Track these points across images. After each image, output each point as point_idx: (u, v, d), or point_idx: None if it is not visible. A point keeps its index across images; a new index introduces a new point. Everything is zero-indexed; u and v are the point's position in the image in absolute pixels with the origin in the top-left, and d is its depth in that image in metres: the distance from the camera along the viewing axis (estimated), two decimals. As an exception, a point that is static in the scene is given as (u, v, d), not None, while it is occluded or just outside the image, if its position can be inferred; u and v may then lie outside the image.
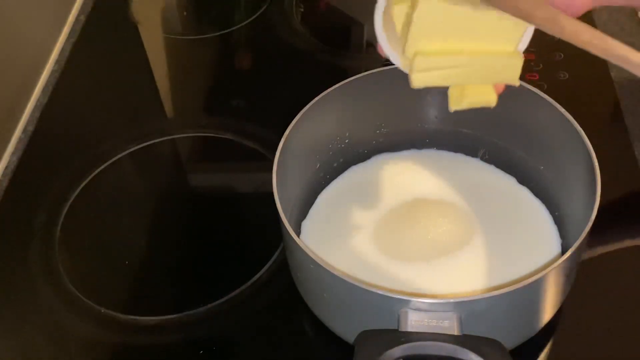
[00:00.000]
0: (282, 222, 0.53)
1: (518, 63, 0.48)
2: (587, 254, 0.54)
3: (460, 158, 0.68)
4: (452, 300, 0.48)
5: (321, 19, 0.95)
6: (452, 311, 0.47)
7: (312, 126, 0.61)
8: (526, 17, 0.44)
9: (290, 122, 0.59)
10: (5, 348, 0.62)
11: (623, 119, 0.74)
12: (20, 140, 0.78)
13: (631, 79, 0.79)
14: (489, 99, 0.49)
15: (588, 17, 0.85)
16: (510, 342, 0.52)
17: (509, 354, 0.46)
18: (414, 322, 0.47)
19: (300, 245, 0.51)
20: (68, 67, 0.86)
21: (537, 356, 0.58)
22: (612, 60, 0.41)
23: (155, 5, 1.00)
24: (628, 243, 0.66)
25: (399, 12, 0.49)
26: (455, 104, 0.49)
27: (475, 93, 0.49)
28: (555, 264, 0.49)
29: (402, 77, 0.64)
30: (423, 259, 0.59)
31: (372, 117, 0.67)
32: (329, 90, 0.61)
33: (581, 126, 0.57)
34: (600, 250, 0.63)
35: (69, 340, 0.62)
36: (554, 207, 0.63)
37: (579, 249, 0.50)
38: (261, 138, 0.75)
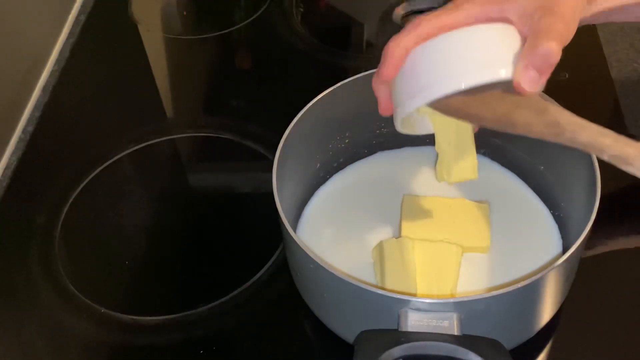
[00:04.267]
0: (282, 222, 0.53)
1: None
2: (587, 254, 0.54)
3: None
4: (452, 300, 0.48)
5: (321, 19, 0.95)
6: (452, 311, 0.47)
7: (312, 126, 0.61)
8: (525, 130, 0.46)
9: (290, 122, 0.59)
10: (5, 348, 0.62)
11: (623, 119, 0.74)
12: (20, 140, 0.78)
13: (631, 79, 0.79)
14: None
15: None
16: (510, 342, 0.52)
17: (509, 354, 0.46)
18: (414, 322, 0.47)
19: (300, 245, 0.51)
20: (68, 67, 0.86)
21: (537, 356, 0.58)
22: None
23: (155, 5, 1.00)
24: (628, 243, 0.66)
25: None
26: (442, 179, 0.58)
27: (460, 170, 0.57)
28: (555, 264, 0.49)
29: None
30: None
31: (372, 117, 0.66)
32: (329, 90, 0.61)
33: (581, 126, 0.56)
34: (601, 250, 0.63)
35: (69, 340, 0.62)
36: (555, 207, 0.63)
37: (579, 249, 0.50)
38: (261, 138, 0.75)
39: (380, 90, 0.52)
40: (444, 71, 0.47)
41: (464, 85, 0.46)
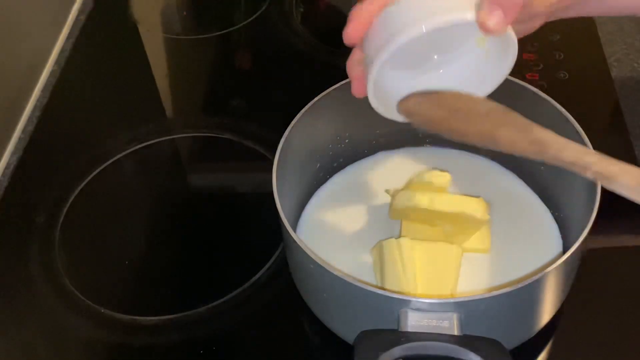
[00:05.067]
0: (282, 222, 0.53)
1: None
2: (587, 254, 0.54)
3: (461, 155, 0.68)
4: (452, 300, 0.48)
5: (321, 19, 0.95)
6: (452, 311, 0.47)
7: (312, 126, 0.61)
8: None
9: (290, 122, 0.59)
10: (5, 348, 0.62)
11: (623, 119, 0.74)
12: (20, 140, 0.78)
13: (631, 79, 0.79)
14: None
15: (588, 18, 0.85)
16: (510, 342, 0.52)
17: (509, 354, 0.46)
18: (413, 322, 0.47)
19: (300, 245, 0.51)
20: (68, 67, 0.86)
21: (537, 356, 0.58)
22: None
23: (155, 5, 1.00)
24: (628, 243, 0.66)
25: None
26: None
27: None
28: (555, 264, 0.49)
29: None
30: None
31: (372, 117, 0.66)
32: (329, 90, 0.61)
33: (581, 126, 0.57)
34: (601, 250, 0.63)
35: (69, 340, 0.62)
36: (555, 207, 0.63)
37: (579, 249, 0.50)
38: (261, 138, 0.75)
39: (353, 70, 0.51)
40: (408, 19, 0.46)
41: (427, 28, 0.45)
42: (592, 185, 0.53)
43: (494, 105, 0.50)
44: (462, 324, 0.47)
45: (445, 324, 0.47)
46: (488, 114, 0.49)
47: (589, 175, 0.43)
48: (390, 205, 0.60)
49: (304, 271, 0.55)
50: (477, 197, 0.59)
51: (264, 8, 0.93)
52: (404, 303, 0.47)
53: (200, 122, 0.80)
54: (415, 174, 0.61)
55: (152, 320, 0.61)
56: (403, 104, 0.53)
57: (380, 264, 0.57)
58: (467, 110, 0.50)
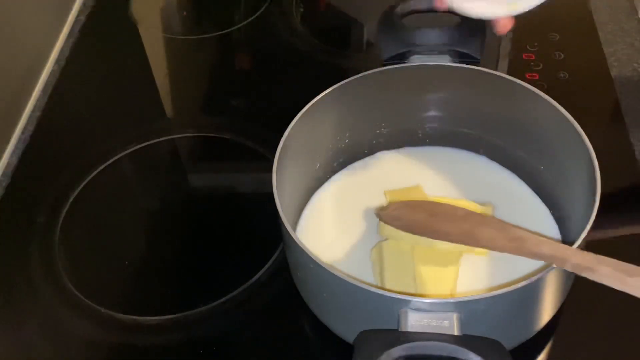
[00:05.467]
0: (281, 222, 0.53)
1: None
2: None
3: (461, 155, 0.68)
4: (452, 300, 0.48)
5: (321, 19, 0.95)
6: (452, 311, 0.47)
7: (312, 126, 0.61)
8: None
9: (290, 122, 0.59)
10: (5, 348, 0.62)
11: (623, 119, 0.74)
12: (20, 140, 0.78)
13: (631, 79, 0.79)
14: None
15: (588, 18, 0.85)
16: (510, 342, 0.52)
17: (509, 354, 0.46)
18: (413, 322, 0.47)
19: (300, 245, 0.51)
20: (68, 67, 0.86)
21: (537, 356, 0.58)
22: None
23: (155, 5, 1.00)
24: (628, 232, 0.66)
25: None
26: None
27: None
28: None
29: (402, 77, 0.64)
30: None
31: (372, 117, 0.67)
32: (329, 90, 0.61)
33: (581, 126, 0.57)
34: (601, 249, 0.63)
35: (69, 340, 0.62)
36: (554, 207, 0.63)
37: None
38: (261, 138, 0.75)
39: None
40: None
41: None
42: (592, 184, 0.53)
43: (470, 210, 0.53)
44: (462, 324, 0.47)
45: (445, 324, 0.47)
46: (466, 218, 0.52)
47: (568, 267, 0.45)
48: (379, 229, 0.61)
49: (304, 271, 0.55)
50: (470, 201, 0.60)
51: (264, 8, 0.93)
52: (404, 303, 0.47)
53: (200, 122, 0.80)
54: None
55: (152, 320, 0.61)
56: (383, 212, 0.58)
57: (380, 264, 0.57)
58: (446, 215, 0.53)
